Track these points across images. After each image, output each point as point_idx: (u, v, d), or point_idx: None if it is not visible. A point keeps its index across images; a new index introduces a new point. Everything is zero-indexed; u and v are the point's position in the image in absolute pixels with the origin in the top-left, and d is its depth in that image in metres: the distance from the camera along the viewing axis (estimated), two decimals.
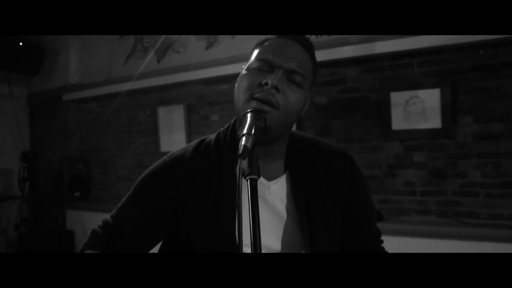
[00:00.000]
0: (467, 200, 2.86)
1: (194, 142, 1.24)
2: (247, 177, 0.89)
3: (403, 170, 3.07)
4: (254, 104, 1.03)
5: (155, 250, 1.24)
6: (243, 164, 0.85)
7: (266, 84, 1.04)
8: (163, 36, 4.30)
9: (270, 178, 1.16)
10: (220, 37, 3.90)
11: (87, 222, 4.47)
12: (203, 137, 1.25)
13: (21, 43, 5.01)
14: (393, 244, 2.68)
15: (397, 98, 3.06)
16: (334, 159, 1.22)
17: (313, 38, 3.35)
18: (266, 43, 1.14)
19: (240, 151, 0.87)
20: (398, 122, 3.06)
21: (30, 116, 5.74)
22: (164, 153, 1.25)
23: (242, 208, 1.11)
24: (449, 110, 2.88)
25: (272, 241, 1.14)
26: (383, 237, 1.31)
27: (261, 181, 1.14)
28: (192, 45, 4.11)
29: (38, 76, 5.39)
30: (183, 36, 4.17)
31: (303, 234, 1.12)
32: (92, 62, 4.99)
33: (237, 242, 0.83)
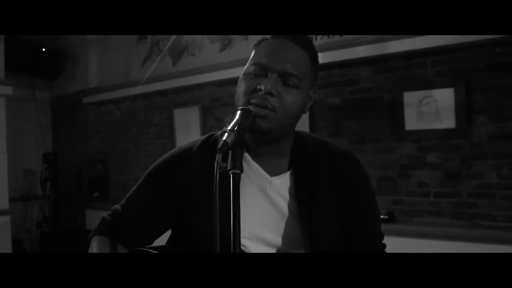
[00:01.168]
0: (483, 201, 2.80)
1: (203, 136, 1.26)
2: (230, 172, 0.90)
3: (417, 171, 3.02)
4: (251, 108, 1.05)
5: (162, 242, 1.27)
6: (221, 157, 0.87)
7: (260, 90, 1.05)
8: (179, 39, 4.35)
9: (273, 173, 1.17)
10: (234, 39, 3.92)
11: None
12: (212, 133, 1.27)
13: (43, 49, 5.15)
14: (406, 245, 2.67)
15: (410, 98, 3.01)
16: (339, 160, 1.21)
17: (325, 38, 3.35)
18: (261, 45, 1.14)
19: (219, 146, 0.88)
20: (412, 122, 3.01)
21: (52, 119, 5.88)
22: None
23: (244, 202, 1.11)
24: (463, 109, 2.82)
25: (271, 235, 1.14)
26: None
27: (264, 176, 1.16)
28: (207, 48, 4.15)
29: (59, 80, 5.55)
30: (198, 39, 4.21)
31: (303, 230, 1.12)
32: (110, 66, 5.09)
33: (216, 235, 0.84)
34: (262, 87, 1.05)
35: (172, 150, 1.26)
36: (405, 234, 2.78)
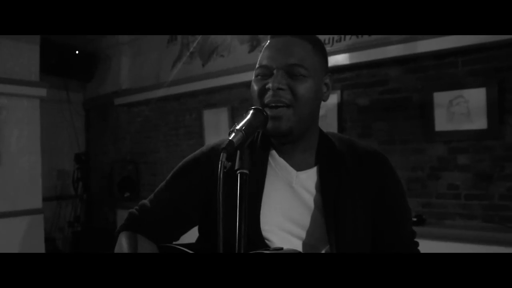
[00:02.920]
0: None
1: None
2: (237, 171, 0.91)
3: (447, 172, 2.96)
4: (269, 112, 1.08)
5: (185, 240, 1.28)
6: (225, 157, 0.88)
7: (269, 89, 1.09)
8: (208, 40, 4.39)
9: (299, 169, 1.18)
10: (262, 40, 3.93)
11: None
12: None
13: (77, 52, 5.29)
14: (435, 249, 2.59)
15: (440, 98, 2.96)
16: (366, 158, 1.21)
17: (354, 38, 3.32)
18: (264, 47, 1.18)
19: (223, 145, 0.89)
20: (442, 123, 2.96)
21: (85, 120, 6.03)
22: None
23: (269, 196, 1.14)
24: (495, 109, 2.76)
25: (297, 229, 1.15)
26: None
27: (290, 170, 1.18)
28: (236, 49, 4.18)
29: (92, 82, 5.68)
30: (227, 41, 4.24)
31: (328, 225, 1.12)
32: (141, 68, 5.19)
33: (219, 233, 0.85)
34: (270, 85, 1.09)
35: (201, 148, 1.29)
36: (435, 237, 2.73)
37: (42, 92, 4.33)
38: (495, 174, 2.78)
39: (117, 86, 5.39)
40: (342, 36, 3.37)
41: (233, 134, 0.92)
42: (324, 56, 1.20)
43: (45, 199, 4.49)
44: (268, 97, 1.09)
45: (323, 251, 1.14)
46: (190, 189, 1.23)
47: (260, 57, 1.17)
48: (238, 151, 0.92)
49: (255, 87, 1.14)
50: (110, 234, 4.91)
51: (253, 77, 1.17)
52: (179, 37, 4.75)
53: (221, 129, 4.34)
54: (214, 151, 1.24)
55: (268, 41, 1.18)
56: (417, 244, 1.25)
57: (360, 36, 3.27)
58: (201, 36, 4.45)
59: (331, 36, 3.41)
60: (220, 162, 0.86)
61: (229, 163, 0.89)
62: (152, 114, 5.13)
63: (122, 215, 5.07)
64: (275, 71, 1.10)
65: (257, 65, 1.16)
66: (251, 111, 1.03)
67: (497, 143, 2.77)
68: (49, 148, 5.12)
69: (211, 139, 4.41)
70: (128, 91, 5.25)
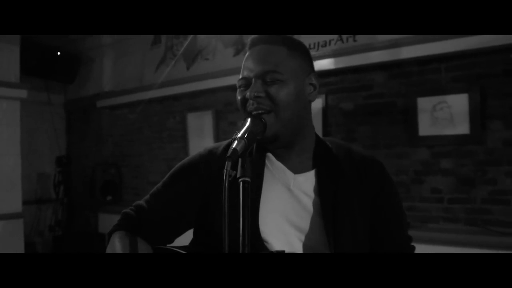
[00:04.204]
0: (497, 208, 2.77)
1: (229, 139, 1.29)
2: (239, 179, 0.92)
3: (430, 177, 3.00)
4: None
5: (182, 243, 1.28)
6: (230, 166, 0.89)
7: (247, 98, 1.13)
8: (193, 44, 4.38)
9: (296, 171, 1.20)
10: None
11: None
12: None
13: (58, 53, 5.21)
14: (419, 252, 2.63)
15: (424, 103, 3.00)
16: (363, 164, 1.23)
17: (339, 43, 3.35)
18: (244, 59, 1.21)
19: (228, 154, 0.91)
20: (425, 128, 3.00)
21: (66, 122, 5.94)
22: None
23: (267, 199, 1.15)
24: (477, 115, 2.81)
25: (295, 232, 1.16)
26: None
27: (287, 173, 1.20)
28: (220, 52, 4.17)
29: (74, 84, 5.58)
30: (212, 44, 4.23)
31: (327, 228, 1.13)
32: (124, 70, 5.14)
33: (224, 240, 0.86)
34: (247, 95, 1.13)
35: (199, 151, 1.30)
36: (418, 241, 2.69)
37: (23, 93, 4.26)
38: (477, 178, 2.83)
39: (99, 88, 5.34)
40: (327, 41, 3.39)
41: (236, 142, 0.94)
42: (305, 57, 1.22)
43: (25, 203, 4.41)
44: (249, 105, 1.13)
45: None
46: (188, 191, 1.23)
47: (242, 69, 1.20)
48: (240, 159, 0.93)
49: (238, 97, 1.18)
50: (91, 238, 4.83)
51: (237, 89, 1.20)
52: (163, 39, 4.72)
53: (205, 133, 4.32)
54: (212, 154, 1.25)
55: (247, 52, 1.21)
56: (413, 248, 1.28)
57: (345, 41, 3.30)
58: (185, 39, 4.43)
59: (316, 41, 3.44)
60: (225, 171, 0.88)
61: (234, 171, 0.90)
62: (135, 117, 5.08)
63: (104, 219, 5.06)
64: (253, 81, 1.13)
65: (239, 77, 1.19)
66: (249, 119, 1.05)
67: (479, 148, 2.82)
68: (29, 151, 5.04)
69: (195, 142, 4.39)
70: (111, 94, 5.19)
